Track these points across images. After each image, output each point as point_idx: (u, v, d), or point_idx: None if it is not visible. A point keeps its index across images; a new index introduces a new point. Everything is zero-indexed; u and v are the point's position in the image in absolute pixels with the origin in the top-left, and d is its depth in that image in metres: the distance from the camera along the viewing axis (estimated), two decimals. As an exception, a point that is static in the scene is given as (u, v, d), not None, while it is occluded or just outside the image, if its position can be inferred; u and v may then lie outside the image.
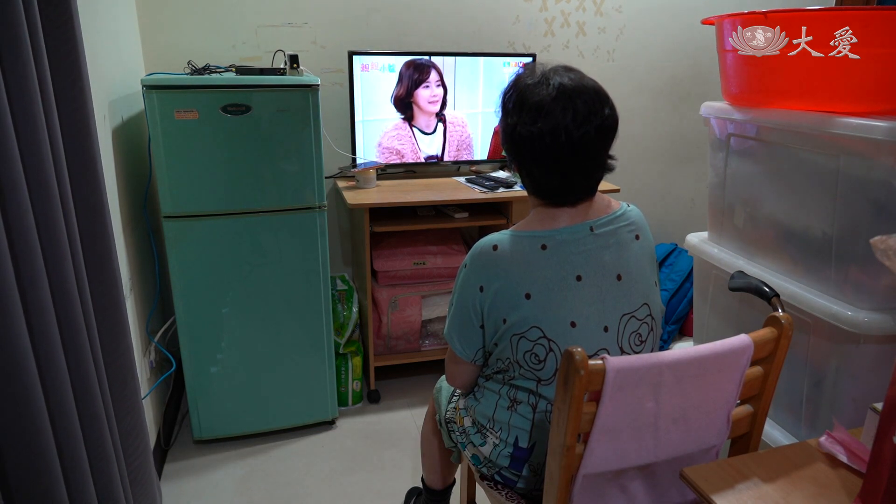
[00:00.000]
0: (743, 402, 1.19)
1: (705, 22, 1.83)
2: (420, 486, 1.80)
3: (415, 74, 2.53)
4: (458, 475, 1.80)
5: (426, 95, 2.56)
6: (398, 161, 2.62)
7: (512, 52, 2.79)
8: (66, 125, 1.24)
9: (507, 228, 1.23)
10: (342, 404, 2.47)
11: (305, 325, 2.20)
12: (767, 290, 1.37)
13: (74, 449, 1.17)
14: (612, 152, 1.21)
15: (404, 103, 2.55)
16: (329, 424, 2.36)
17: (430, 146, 2.64)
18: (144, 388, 1.96)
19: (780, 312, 1.15)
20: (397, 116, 2.56)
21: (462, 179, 2.65)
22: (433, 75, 2.55)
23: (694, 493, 0.99)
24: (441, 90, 2.58)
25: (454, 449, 1.51)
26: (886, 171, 1.38)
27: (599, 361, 0.98)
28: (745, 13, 1.60)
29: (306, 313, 2.19)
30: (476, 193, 2.43)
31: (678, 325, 2.86)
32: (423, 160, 2.65)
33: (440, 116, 2.61)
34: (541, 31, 2.82)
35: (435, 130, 2.63)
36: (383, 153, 2.58)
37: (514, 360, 1.20)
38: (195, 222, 1.99)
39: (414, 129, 2.59)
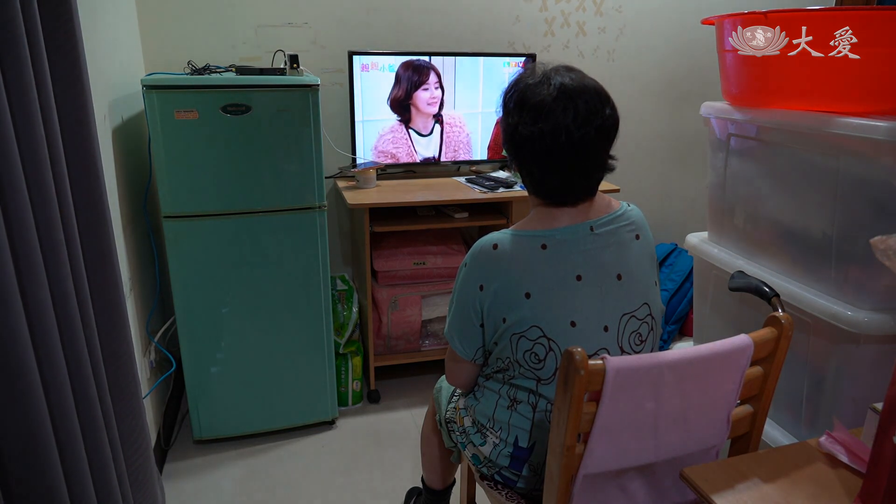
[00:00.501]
0: (743, 402, 1.19)
1: (705, 22, 1.83)
2: (420, 486, 1.80)
3: (413, 76, 2.53)
4: (458, 475, 1.80)
5: (425, 97, 2.56)
6: (394, 162, 2.62)
7: (512, 52, 2.79)
8: (66, 125, 1.24)
9: (507, 228, 1.23)
10: (342, 404, 2.47)
11: (305, 325, 2.20)
12: (767, 290, 1.37)
13: (74, 449, 1.17)
14: (612, 152, 1.21)
15: (402, 105, 2.55)
16: (329, 424, 2.36)
17: (426, 148, 2.64)
18: (144, 388, 1.95)
19: (780, 312, 1.15)
20: (394, 119, 2.56)
21: (462, 179, 2.65)
22: (432, 77, 2.55)
23: (694, 493, 0.99)
24: (440, 92, 2.58)
25: (454, 449, 1.51)
26: (886, 171, 1.38)
27: (599, 361, 0.98)
28: (745, 13, 1.60)
29: (306, 313, 2.19)
30: (476, 193, 2.43)
31: (678, 325, 2.86)
32: (418, 162, 2.65)
33: (437, 118, 2.61)
34: (541, 31, 2.82)
35: (431, 132, 2.63)
36: (379, 156, 2.58)
37: (513, 360, 1.20)
38: (195, 222, 1.99)
39: (410, 131, 2.59)
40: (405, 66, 2.51)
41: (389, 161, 2.60)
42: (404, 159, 2.62)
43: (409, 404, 2.51)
